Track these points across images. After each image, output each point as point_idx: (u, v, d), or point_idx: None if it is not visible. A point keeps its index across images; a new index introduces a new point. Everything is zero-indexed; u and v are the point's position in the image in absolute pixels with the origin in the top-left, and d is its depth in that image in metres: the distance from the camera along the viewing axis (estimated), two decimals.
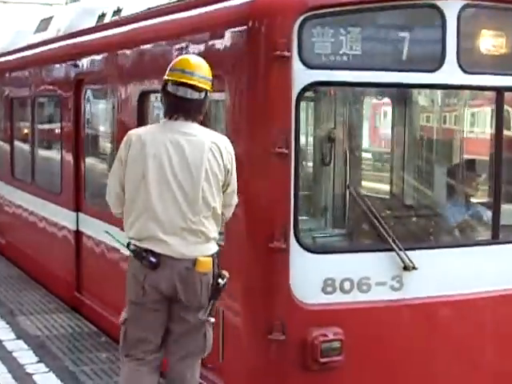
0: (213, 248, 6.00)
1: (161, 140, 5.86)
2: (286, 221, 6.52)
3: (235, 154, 6.20)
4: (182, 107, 5.92)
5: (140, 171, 5.83)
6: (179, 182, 5.80)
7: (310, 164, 7.80)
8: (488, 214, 7.46)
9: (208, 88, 5.97)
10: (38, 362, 8.69)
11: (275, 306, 6.61)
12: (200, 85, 5.90)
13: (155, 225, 5.82)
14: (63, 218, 11.29)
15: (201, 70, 5.95)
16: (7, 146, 14.40)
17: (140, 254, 5.85)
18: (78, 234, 10.85)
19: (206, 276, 5.93)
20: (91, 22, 10.74)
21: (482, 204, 7.82)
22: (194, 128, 5.93)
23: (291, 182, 6.52)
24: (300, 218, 6.67)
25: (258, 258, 6.62)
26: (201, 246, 5.91)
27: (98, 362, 8.73)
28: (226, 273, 6.02)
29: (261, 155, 6.54)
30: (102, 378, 8.24)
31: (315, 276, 6.66)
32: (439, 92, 8.10)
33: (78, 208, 10.82)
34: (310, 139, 7.86)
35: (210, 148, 5.85)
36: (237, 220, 6.67)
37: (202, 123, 6.14)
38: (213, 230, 5.98)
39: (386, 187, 8.54)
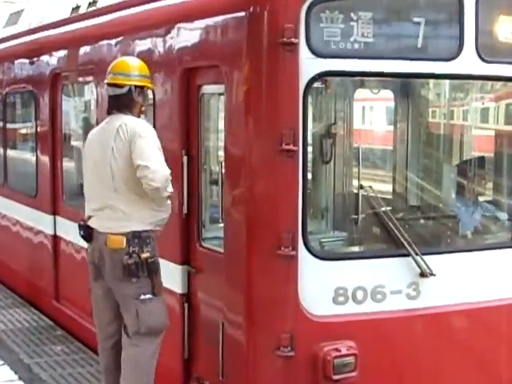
0: (130, 226, 6.25)
1: (95, 133, 6.69)
2: (294, 225, 5.95)
3: (237, 153, 5.94)
4: (112, 103, 6.56)
5: (83, 164, 6.75)
6: (97, 164, 6.44)
7: (318, 163, 7.21)
8: (506, 216, 6.95)
9: (127, 82, 6.45)
10: None
11: (283, 319, 6.05)
12: (117, 81, 6.48)
13: (89, 204, 6.59)
14: (39, 221, 10.62)
15: (117, 68, 6.54)
16: None
17: (78, 229, 6.60)
18: (55, 238, 10.19)
19: (117, 253, 6.25)
20: (66, 14, 10.10)
21: (500, 204, 7.28)
22: (122, 119, 6.39)
23: (299, 182, 5.96)
24: (308, 221, 6.09)
25: (264, 266, 6.03)
26: (117, 222, 6.30)
27: (53, 354, 8.96)
28: (144, 254, 6.22)
29: (266, 153, 5.95)
30: (56, 369, 8.46)
31: (326, 285, 6.13)
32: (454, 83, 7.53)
33: (55, 211, 10.16)
34: (317, 135, 7.25)
35: (117, 129, 6.31)
36: (239, 224, 6.10)
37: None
38: (135, 208, 6.28)
39: (399, 189, 7.99)
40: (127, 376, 6.39)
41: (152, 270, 6.27)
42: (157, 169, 6.07)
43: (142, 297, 6.27)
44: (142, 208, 6.28)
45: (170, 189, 6.20)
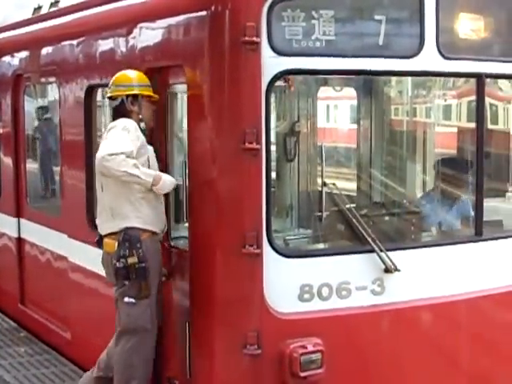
0: (119, 224, 6.38)
1: None
2: (258, 223, 5.95)
3: (200, 152, 5.95)
4: (112, 116, 6.74)
5: None
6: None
7: (282, 161, 7.23)
8: (470, 211, 7.00)
9: (117, 93, 6.59)
10: None
11: (248, 317, 6.05)
12: (111, 94, 6.66)
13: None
14: (3, 224, 10.52)
15: (112, 82, 6.67)
16: None
17: None
18: (19, 241, 10.11)
19: (109, 256, 6.44)
20: (27, 14, 10.02)
21: (464, 200, 7.33)
22: None
23: (263, 180, 5.95)
24: (272, 219, 6.10)
25: (229, 264, 6.03)
26: (106, 223, 6.52)
27: (17, 356, 8.98)
28: (131, 259, 6.27)
29: (229, 152, 5.95)
30: (20, 370, 8.49)
31: (291, 282, 6.14)
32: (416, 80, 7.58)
33: (19, 214, 10.08)
34: (281, 133, 7.27)
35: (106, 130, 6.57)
36: (204, 223, 6.09)
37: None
38: (122, 205, 6.39)
39: (363, 186, 8.02)
40: (114, 370, 6.66)
41: (140, 275, 6.30)
42: (97, 153, 6.21)
43: (126, 299, 6.42)
44: (123, 202, 6.34)
45: (123, 167, 6.12)
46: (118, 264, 6.31)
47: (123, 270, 6.30)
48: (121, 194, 6.36)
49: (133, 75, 6.62)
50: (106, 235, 6.55)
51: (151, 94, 6.60)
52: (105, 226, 6.55)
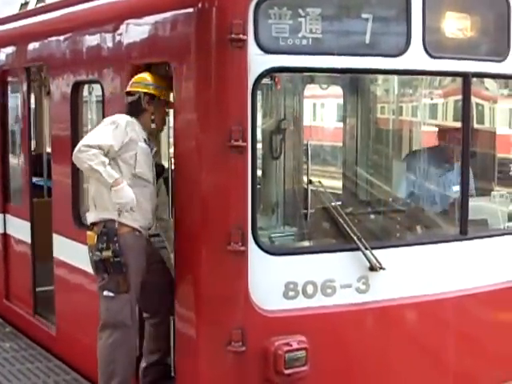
0: (99, 215, 6.43)
1: None
2: (244, 221, 5.96)
3: (186, 149, 5.98)
4: (125, 111, 6.68)
5: None
6: None
7: (266, 158, 7.23)
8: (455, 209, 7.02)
9: (137, 89, 6.59)
10: None
11: (233, 314, 6.06)
12: (130, 89, 6.65)
13: None
14: None
15: (134, 79, 6.65)
16: None
17: None
18: (5, 237, 10.08)
19: (90, 248, 6.46)
20: (14, 10, 10.00)
21: (450, 199, 7.35)
22: None
23: (249, 177, 5.95)
24: (258, 217, 6.10)
25: (214, 261, 6.03)
26: (93, 212, 6.52)
27: (2, 351, 8.95)
28: (106, 253, 6.31)
29: (214, 149, 5.95)
30: (5, 366, 8.46)
31: (276, 280, 6.14)
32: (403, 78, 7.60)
33: (4, 209, 10.05)
34: (267, 131, 7.27)
35: None
36: (189, 220, 6.09)
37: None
38: (102, 196, 6.39)
39: (349, 184, 8.03)
40: (98, 365, 6.66)
41: (116, 270, 6.32)
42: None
43: (105, 293, 6.44)
44: (104, 193, 6.32)
45: (90, 161, 6.14)
46: (94, 257, 6.39)
47: (100, 263, 6.36)
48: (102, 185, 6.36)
49: (151, 77, 6.64)
50: (88, 228, 6.54)
51: (169, 99, 6.62)
52: (89, 216, 6.58)
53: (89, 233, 6.50)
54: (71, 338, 8.27)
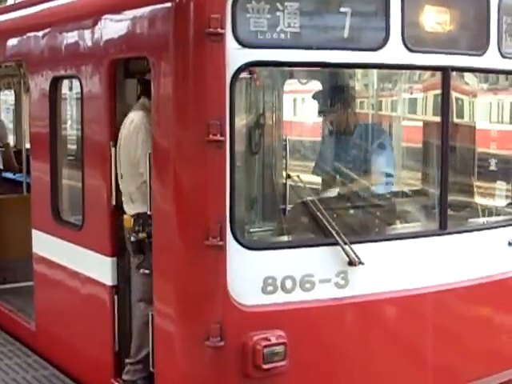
0: (133, 208, 6.83)
1: None
2: (222, 215, 5.93)
3: (164, 144, 6.02)
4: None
5: None
6: None
7: (247, 153, 7.21)
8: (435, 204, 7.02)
9: None
10: None
11: (211, 309, 6.02)
12: None
13: None
14: None
15: None
16: None
17: None
18: None
19: (127, 230, 6.82)
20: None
21: (429, 193, 7.35)
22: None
23: (227, 172, 5.93)
24: (236, 211, 6.08)
25: (192, 256, 6.01)
26: (129, 205, 6.90)
27: None
28: (141, 234, 6.71)
29: (193, 144, 5.92)
30: None
31: (254, 275, 6.12)
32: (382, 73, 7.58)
33: None
34: (244, 125, 7.24)
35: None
36: (168, 215, 6.07)
37: None
38: (131, 189, 6.85)
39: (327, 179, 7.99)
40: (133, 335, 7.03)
41: (150, 249, 6.55)
42: None
43: (141, 271, 6.77)
44: (143, 191, 6.66)
45: None
46: (131, 238, 6.76)
47: (136, 244, 6.75)
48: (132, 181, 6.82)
49: None
50: (124, 212, 6.93)
51: None
52: (126, 206, 6.91)
53: (125, 216, 6.86)
54: (51, 333, 8.24)
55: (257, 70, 6.82)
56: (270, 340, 6.01)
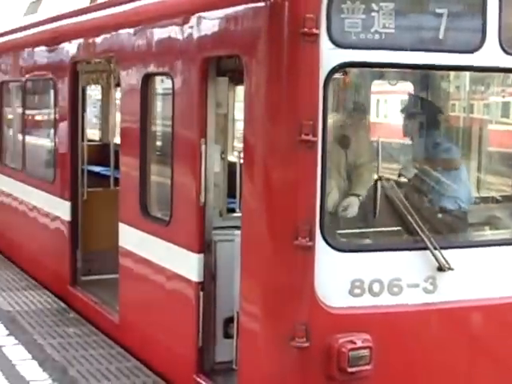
0: None
1: None
2: (312, 216, 5.91)
3: (256, 143, 5.99)
4: None
5: None
6: None
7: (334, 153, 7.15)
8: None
9: None
10: (8, 335, 9.03)
11: (298, 310, 6.01)
12: None
13: None
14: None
15: None
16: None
17: None
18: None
19: None
20: (85, 3, 10.11)
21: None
22: None
23: (318, 172, 5.91)
24: (326, 212, 6.06)
25: (280, 256, 6.00)
26: None
27: (66, 336, 9.06)
28: None
29: (284, 143, 5.92)
30: (69, 350, 8.55)
31: (342, 277, 6.09)
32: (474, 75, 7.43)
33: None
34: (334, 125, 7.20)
35: None
36: (257, 214, 6.07)
37: None
38: None
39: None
40: None
41: None
42: None
43: None
44: None
45: None
46: None
47: None
48: None
49: None
50: None
51: None
52: None
53: None
54: (134, 326, 8.33)
55: (348, 71, 6.74)
56: (355, 343, 5.97)
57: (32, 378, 7.70)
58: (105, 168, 12.74)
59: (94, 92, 16.85)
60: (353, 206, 6.70)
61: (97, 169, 12.79)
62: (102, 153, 13.94)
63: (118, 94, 13.36)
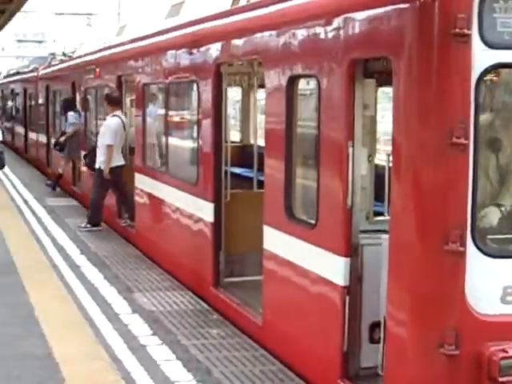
0: None
1: None
2: (463, 221, 5.80)
3: (405, 146, 5.99)
4: None
5: None
6: None
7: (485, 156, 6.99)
8: None
9: None
10: (152, 334, 9.15)
11: (448, 316, 5.91)
12: None
13: None
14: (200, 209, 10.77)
15: None
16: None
17: None
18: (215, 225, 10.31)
19: None
20: (226, 6, 10.22)
21: None
22: None
23: (469, 176, 5.79)
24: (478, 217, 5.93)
25: (430, 260, 5.90)
26: None
27: (209, 337, 9.10)
28: None
29: (435, 146, 5.82)
30: (212, 351, 8.59)
31: (494, 283, 5.95)
32: None
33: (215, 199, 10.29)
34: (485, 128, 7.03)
35: None
36: (406, 218, 5.98)
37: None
38: None
39: None
40: None
41: None
42: None
43: None
44: None
45: None
46: None
47: None
48: None
49: None
50: None
51: None
52: None
53: None
54: (278, 329, 8.35)
55: (500, 71, 6.57)
56: (507, 352, 5.82)
57: (176, 378, 7.76)
58: (245, 170, 12.85)
59: (231, 94, 17.02)
60: (489, 217, 6.41)
61: (237, 170, 12.89)
62: (242, 154, 14.09)
63: (259, 96, 13.62)
